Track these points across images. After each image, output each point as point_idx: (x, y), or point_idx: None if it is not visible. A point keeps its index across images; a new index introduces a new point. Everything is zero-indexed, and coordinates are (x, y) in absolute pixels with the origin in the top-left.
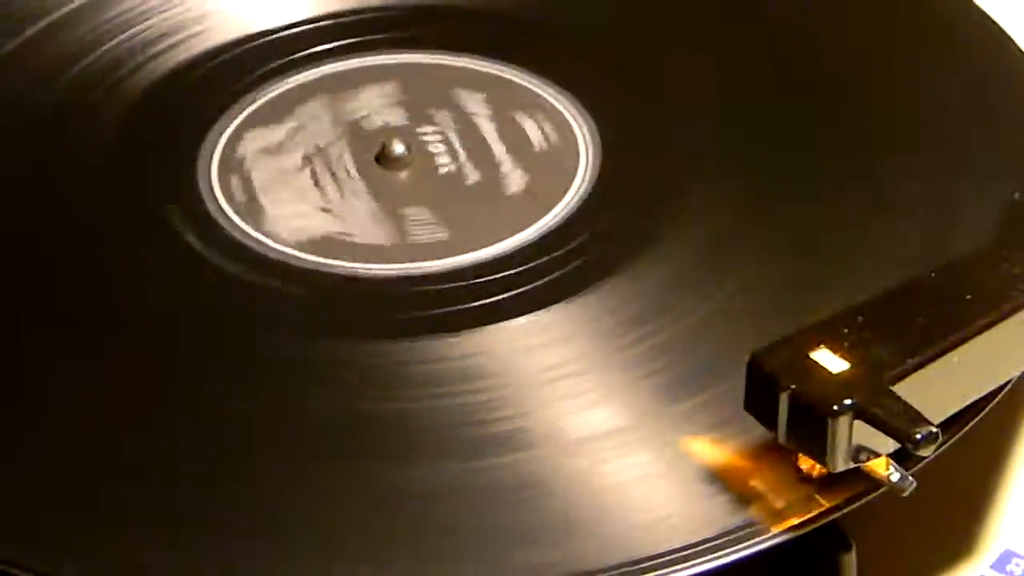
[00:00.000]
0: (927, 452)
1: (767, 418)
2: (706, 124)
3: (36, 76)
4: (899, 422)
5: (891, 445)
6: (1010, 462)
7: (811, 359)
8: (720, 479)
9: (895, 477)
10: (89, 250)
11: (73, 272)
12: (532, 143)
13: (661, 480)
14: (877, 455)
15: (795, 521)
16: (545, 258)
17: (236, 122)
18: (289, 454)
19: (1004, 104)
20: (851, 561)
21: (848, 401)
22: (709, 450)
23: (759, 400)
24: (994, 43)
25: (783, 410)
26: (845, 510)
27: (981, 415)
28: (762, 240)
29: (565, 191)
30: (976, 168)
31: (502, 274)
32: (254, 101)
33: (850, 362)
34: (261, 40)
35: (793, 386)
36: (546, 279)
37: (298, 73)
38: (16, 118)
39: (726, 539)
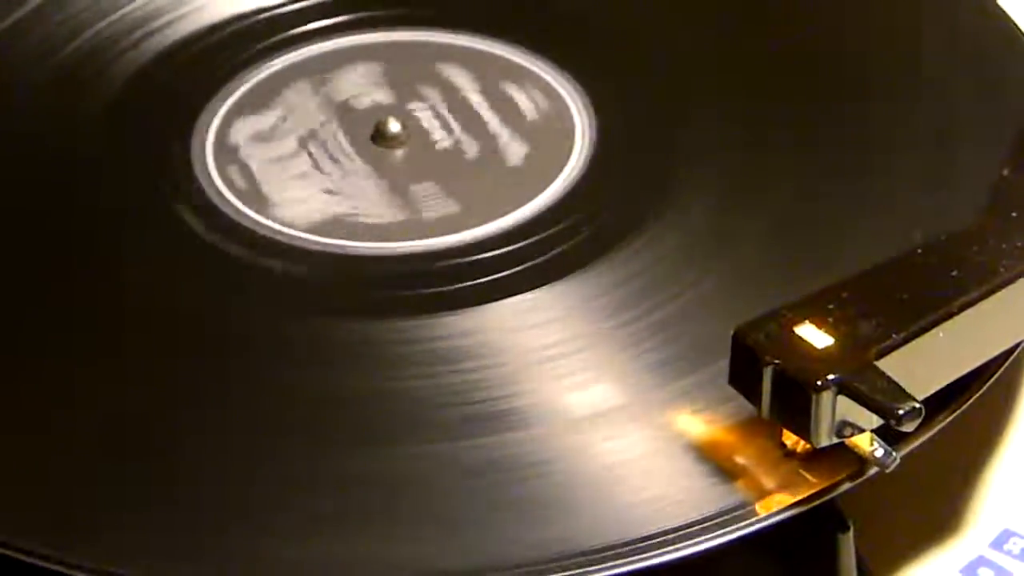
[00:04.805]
0: (910, 428)
1: (751, 393)
2: (704, 95)
3: (20, 62)
4: (883, 397)
5: (875, 421)
6: (1008, 441)
7: (795, 334)
8: (716, 458)
9: (879, 453)
10: (94, 247)
11: (85, 272)
12: (524, 114)
13: (657, 459)
14: (861, 431)
15: (792, 501)
16: (541, 236)
17: (223, 110)
18: (278, 433)
19: (1000, 81)
20: (849, 541)
21: (832, 376)
22: (707, 429)
23: (743, 375)
24: (993, 19)
25: (767, 385)
26: (842, 489)
27: (978, 395)
28: (759, 218)
29: (563, 164)
30: (972, 147)
31: (499, 252)
32: (238, 88)
33: (835, 337)
34: (237, 25)
35: (777, 361)
36: (542, 258)
37: (278, 57)
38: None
39: (722, 519)
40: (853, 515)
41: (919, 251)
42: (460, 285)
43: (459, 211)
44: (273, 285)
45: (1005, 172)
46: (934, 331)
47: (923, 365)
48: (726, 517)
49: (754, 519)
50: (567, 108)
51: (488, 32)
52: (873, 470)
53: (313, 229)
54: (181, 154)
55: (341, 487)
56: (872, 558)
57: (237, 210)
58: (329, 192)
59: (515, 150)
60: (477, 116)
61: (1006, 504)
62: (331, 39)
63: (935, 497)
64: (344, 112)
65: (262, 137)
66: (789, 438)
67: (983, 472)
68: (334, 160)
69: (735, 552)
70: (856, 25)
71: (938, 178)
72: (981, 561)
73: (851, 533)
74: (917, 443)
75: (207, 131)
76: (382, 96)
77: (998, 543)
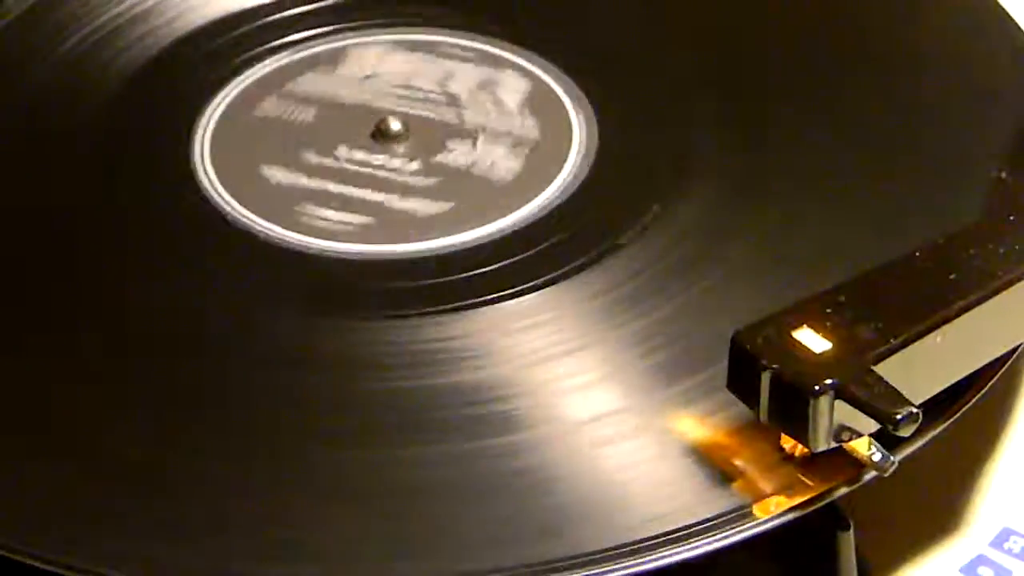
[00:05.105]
0: (907, 433)
1: (749, 397)
2: (703, 96)
3: (20, 60)
4: (880, 402)
5: (873, 425)
6: (1007, 440)
7: (793, 338)
8: (715, 461)
9: (876, 457)
10: (93, 246)
11: (83, 271)
12: (524, 114)
13: (656, 462)
14: (859, 435)
15: (790, 504)
16: (541, 237)
17: (223, 108)
18: (278, 434)
19: (1000, 81)
20: (849, 540)
21: (829, 381)
22: (706, 432)
23: (741, 379)
24: (993, 19)
25: (765, 389)
26: (840, 493)
27: (975, 399)
28: (759, 219)
29: (562, 165)
30: (971, 148)
31: (498, 253)
32: (238, 86)
33: (832, 342)
34: (237, 23)
35: (775, 365)
36: (542, 259)
37: (277, 56)
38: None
39: (720, 523)
40: (853, 514)
41: (917, 254)
42: (459, 287)
43: (458, 212)
44: (271, 286)
45: (1003, 175)
46: (932, 335)
47: (921, 369)
48: (724, 521)
49: (752, 523)
50: (566, 108)
51: (487, 32)
52: (871, 474)
53: (314, 229)
54: (180, 153)
55: (340, 488)
56: (872, 557)
57: (235, 209)
58: (328, 191)
59: (514, 150)
60: (477, 116)
61: (1006, 503)
62: (330, 39)
63: (935, 496)
64: (344, 111)
65: (261, 136)
66: (787, 442)
67: (983, 471)
68: (334, 159)
69: (735, 551)
70: (855, 25)
71: (937, 179)
72: (981, 560)
73: (851, 532)
74: (915, 447)
75: (207, 130)
76: (382, 96)
77: (998, 542)
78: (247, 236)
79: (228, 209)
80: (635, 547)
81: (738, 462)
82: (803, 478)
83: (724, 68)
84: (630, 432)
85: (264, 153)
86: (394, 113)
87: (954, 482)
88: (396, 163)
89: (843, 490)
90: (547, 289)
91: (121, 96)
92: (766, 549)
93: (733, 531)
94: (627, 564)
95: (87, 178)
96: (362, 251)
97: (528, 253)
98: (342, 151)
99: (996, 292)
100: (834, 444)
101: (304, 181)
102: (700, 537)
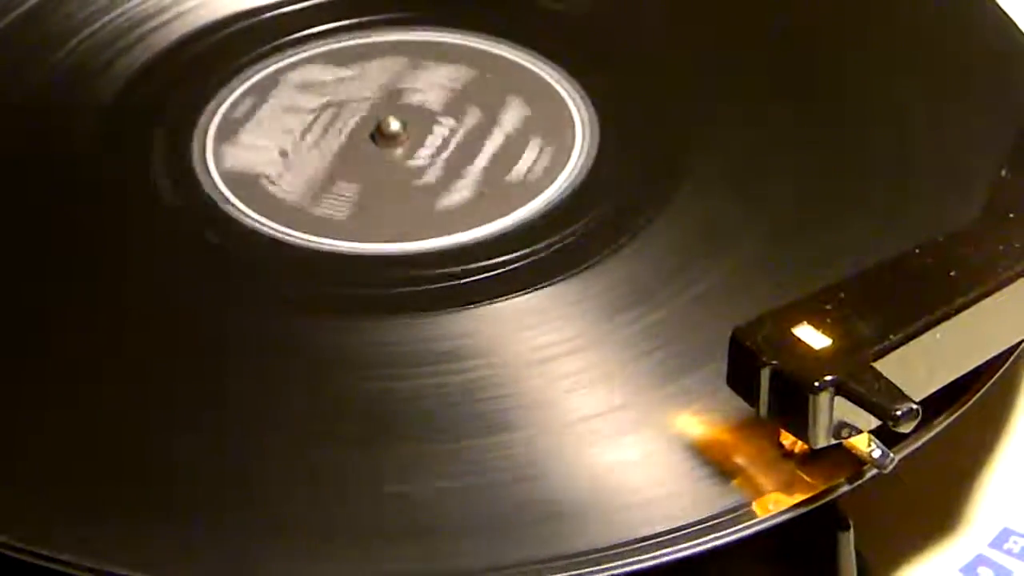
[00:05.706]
0: (907, 429)
1: (749, 393)
2: (703, 96)
3: (19, 62)
4: (880, 398)
5: (873, 422)
6: (1007, 440)
7: (793, 335)
8: (715, 459)
9: (876, 454)
10: (93, 246)
11: (83, 272)
12: (524, 114)
13: (655, 460)
14: (859, 432)
15: (790, 503)
16: (540, 236)
17: (223, 109)
18: (278, 433)
19: (1000, 81)
20: (848, 540)
21: (829, 377)
22: (706, 429)
23: (741, 375)
24: (993, 19)
25: (764, 385)
26: (841, 491)
27: (977, 397)
28: (759, 218)
29: (563, 164)
30: (971, 147)
31: (498, 252)
32: (238, 87)
33: (832, 338)
34: (237, 24)
35: (775, 361)
36: (542, 258)
37: (277, 56)
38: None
39: (720, 521)
40: (853, 514)
41: (917, 251)
42: (459, 286)
43: (458, 211)
44: (272, 285)
45: (1003, 173)
46: (932, 332)
47: (921, 366)
48: (724, 519)
49: (752, 521)
50: (567, 108)
51: (487, 31)
52: (871, 471)
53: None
54: (181, 154)
55: (339, 487)
56: (872, 557)
57: (236, 208)
58: (327, 191)
59: (514, 150)
60: (476, 116)
61: (1006, 503)
62: (330, 40)
63: (935, 496)
64: (343, 112)
65: (262, 136)
66: (787, 438)
67: (983, 471)
68: (333, 159)
69: (734, 549)
70: (856, 25)
71: (937, 178)
72: (981, 560)
73: (851, 532)
74: (916, 445)
75: (206, 131)
76: (381, 96)
77: (998, 542)
78: (248, 235)
79: (229, 209)
80: (634, 545)
81: (738, 460)
82: (803, 475)
83: (724, 68)
84: (629, 430)
85: (264, 153)
86: (393, 113)
87: (954, 482)
88: (394, 163)
89: (843, 488)
90: (547, 288)
91: (122, 97)
92: (766, 550)
93: (732, 529)
94: (626, 562)
95: (87, 179)
96: (362, 250)
97: (528, 253)
98: (341, 151)
99: (996, 289)
100: (834, 441)
101: (304, 181)
102: (699, 535)
